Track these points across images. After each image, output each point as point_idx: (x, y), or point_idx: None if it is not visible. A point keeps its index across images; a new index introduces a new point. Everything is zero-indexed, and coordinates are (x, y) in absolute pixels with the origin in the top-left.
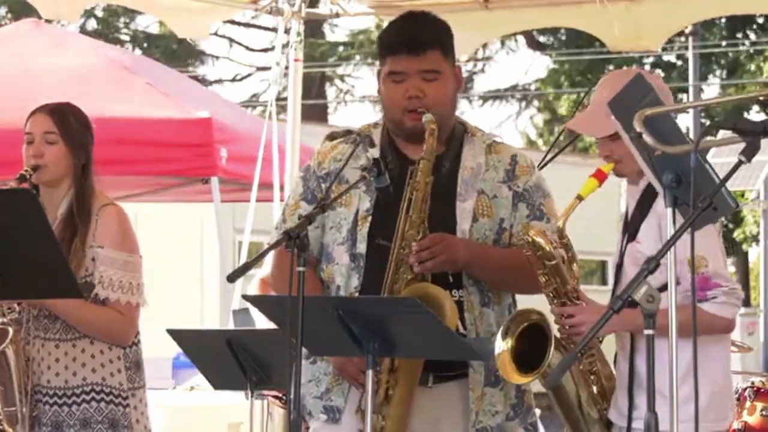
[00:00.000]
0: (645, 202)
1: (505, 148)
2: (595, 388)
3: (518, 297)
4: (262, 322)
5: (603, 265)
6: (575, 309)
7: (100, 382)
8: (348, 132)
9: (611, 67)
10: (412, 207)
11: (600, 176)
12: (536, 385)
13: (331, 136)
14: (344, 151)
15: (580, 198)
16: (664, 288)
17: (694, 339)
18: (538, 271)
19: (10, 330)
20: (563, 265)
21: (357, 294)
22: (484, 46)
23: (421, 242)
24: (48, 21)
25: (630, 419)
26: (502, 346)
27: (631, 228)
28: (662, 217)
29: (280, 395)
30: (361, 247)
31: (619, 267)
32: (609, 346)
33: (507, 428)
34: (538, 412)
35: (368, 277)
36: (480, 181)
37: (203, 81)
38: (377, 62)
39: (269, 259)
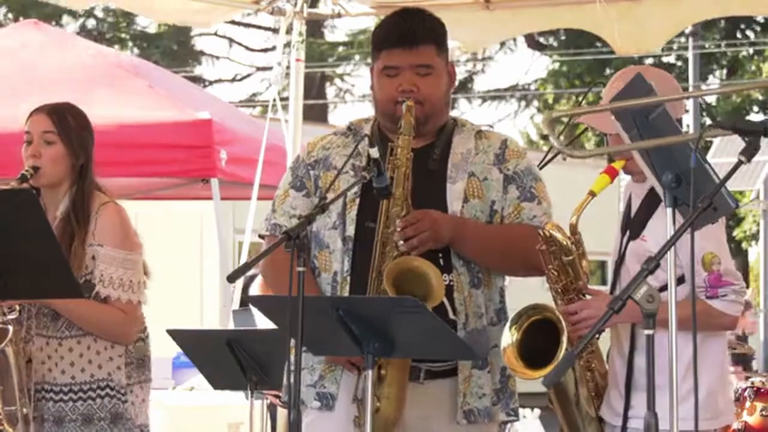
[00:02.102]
0: (653, 200)
1: (494, 135)
2: (590, 386)
3: (516, 292)
4: (262, 322)
5: (602, 265)
6: (579, 305)
7: (106, 378)
8: None
9: (611, 68)
10: (395, 184)
11: (611, 172)
12: (537, 385)
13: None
14: (333, 140)
15: (592, 194)
16: (677, 283)
17: (694, 338)
18: (549, 266)
19: (10, 329)
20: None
21: (348, 278)
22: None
23: (404, 219)
24: (48, 22)
25: (626, 418)
26: (508, 338)
27: (634, 225)
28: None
29: (281, 395)
30: (350, 230)
31: (619, 264)
32: (603, 344)
33: (491, 412)
34: (538, 411)
35: (357, 260)
36: (470, 165)
37: (202, 81)
38: None
39: None
